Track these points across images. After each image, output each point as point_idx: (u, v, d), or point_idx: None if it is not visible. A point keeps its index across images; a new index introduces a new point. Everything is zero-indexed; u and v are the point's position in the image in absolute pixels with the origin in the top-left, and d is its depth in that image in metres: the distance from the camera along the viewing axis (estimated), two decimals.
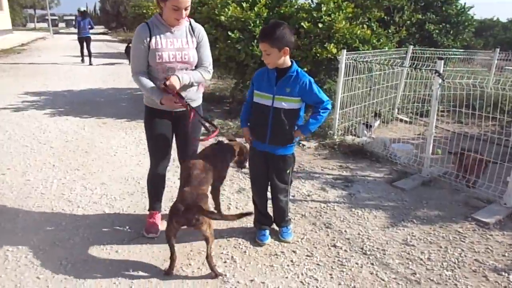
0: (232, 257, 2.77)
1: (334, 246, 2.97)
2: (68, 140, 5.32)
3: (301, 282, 2.53)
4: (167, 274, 2.53)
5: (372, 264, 2.77)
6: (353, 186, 4.11)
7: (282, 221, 3.03)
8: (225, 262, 2.71)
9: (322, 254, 2.86)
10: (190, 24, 2.79)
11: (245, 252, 2.83)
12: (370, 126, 5.73)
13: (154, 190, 3.08)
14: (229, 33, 6.15)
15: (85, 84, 9.79)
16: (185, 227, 2.43)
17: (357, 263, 2.76)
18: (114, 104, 7.56)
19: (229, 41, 6.22)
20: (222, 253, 2.81)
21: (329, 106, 2.69)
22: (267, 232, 3.01)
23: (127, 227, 3.12)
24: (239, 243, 2.93)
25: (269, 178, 2.91)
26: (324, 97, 2.68)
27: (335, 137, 5.44)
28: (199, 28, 2.83)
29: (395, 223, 3.37)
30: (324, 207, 3.61)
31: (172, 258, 2.53)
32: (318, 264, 2.72)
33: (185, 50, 2.74)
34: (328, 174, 4.40)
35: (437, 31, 11.33)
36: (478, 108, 4.26)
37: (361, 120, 5.83)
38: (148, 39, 2.64)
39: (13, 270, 2.57)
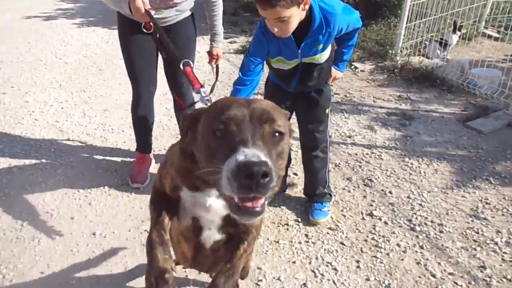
0: None
1: (371, 215, 2.19)
2: (87, 55, 4.74)
3: (312, 271, 1.82)
4: None
5: (422, 247, 1.98)
6: (411, 124, 3.17)
7: (317, 192, 2.16)
8: None
9: (352, 227, 2.10)
10: None
11: None
12: (446, 44, 4.47)
13: (140, 124, 2.41)
14: None
15: None
16: None
17: (398, 245, 1.99)
18: None
19: None
20: None
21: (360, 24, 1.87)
22: None
23: (114, 170, 2.55)
24: None
25: (298, 125, 2.08)
26: (359, 19, 1.84)
27: (398, 58, 4.30)
28: None
29: (464, 182, 2.48)
30: (367, 154, 2.77)
31: None
32: (342, 244, 1.99)
33: None
34: (381, 108, 3.46)
35: None
36: None
37: (434, 37, 4.58)
38: None
39: None
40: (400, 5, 4.37)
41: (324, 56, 1.82)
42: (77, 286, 1.75)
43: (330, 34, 1.72)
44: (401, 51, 4.34)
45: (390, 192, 2.37)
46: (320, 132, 2.04)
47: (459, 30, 4.48)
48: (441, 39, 4.44)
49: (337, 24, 1.70)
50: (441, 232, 2.08)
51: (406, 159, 2.71)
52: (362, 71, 4.20)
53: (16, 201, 2.25)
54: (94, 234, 2.02)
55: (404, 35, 4.31)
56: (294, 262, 1.87)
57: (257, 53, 1.75)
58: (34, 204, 2.23)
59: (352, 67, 4.22)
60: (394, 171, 2.58)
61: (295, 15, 1.58)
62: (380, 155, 2.75)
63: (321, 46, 1.74)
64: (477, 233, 2.08)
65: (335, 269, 1.84)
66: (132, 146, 2.77)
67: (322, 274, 1.80)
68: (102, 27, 5.96)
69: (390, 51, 4.38)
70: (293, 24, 1.62)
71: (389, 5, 5.29)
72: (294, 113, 2.05)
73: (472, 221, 2.17)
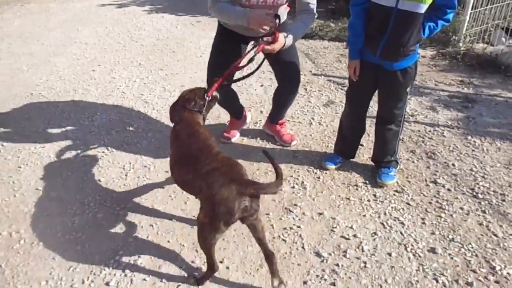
0: (302, 182, 2.36)
1: (435, 182, 2.36)
2: (159, 38, 5.15)
3: (382, 224, 2.04)
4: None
5: (484, 212, 2.13)
6: (474, 107, 3.25)
7: (385, 159, 2.35)
8: (293, 187, 2.32)
9: (417, 191, 2.28)
10: None
11: (318, 178, 2.39)
12: None
13: (227, 101, 2.69)
14: None
15: None
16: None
17: (462, 208, 2.15)
18: None
19: None
20: (291, 176, 2.41)
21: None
22: (339, 159, 2.48)
23: None
24: (314, 167, 2.49)
25: (378, 99, 2.26)
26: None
27: (461, 44, 4.34)
28: None
29: None
30: (430, 131, 2.91)
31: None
32: (408, 204, 2.18)
33: None
34: (443, 91, 3.55)
35: None
36: None
37: (500, 24, 4.55)
38: None
39: (79, 169, 2.53)
40: None
41: (422, 3, 1.87)
42: (177, 220, 2.08)
43: None
44: (464, 38, 4.37)
45: (453, 165, 2.52)
46: (399, 108, 2.20)
47: None
48: (508, 26, 4.42)
49: None
50: (503, 200, 2.21)
51: (469, 137, 2.82)
52: (423, 56, 4.27)
53: (118, 157, 2.63)
54: None
55: (468, 22, 4.33)
56: (364, 216, 2.09)
57: None
58: (133, 159, 2.60)
59: None
60: (457, 147, 2.71)
61: None
62: (443, 133, 2.88)
63: None
64: None
65: (402, 223, 2.04)
66: (208, 116, 3.08)
67: (390, 226, 2.01)
68: (170, 14, 6.38)
69: (453, 38, 4.41)
70: None
71: None
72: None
73: None
